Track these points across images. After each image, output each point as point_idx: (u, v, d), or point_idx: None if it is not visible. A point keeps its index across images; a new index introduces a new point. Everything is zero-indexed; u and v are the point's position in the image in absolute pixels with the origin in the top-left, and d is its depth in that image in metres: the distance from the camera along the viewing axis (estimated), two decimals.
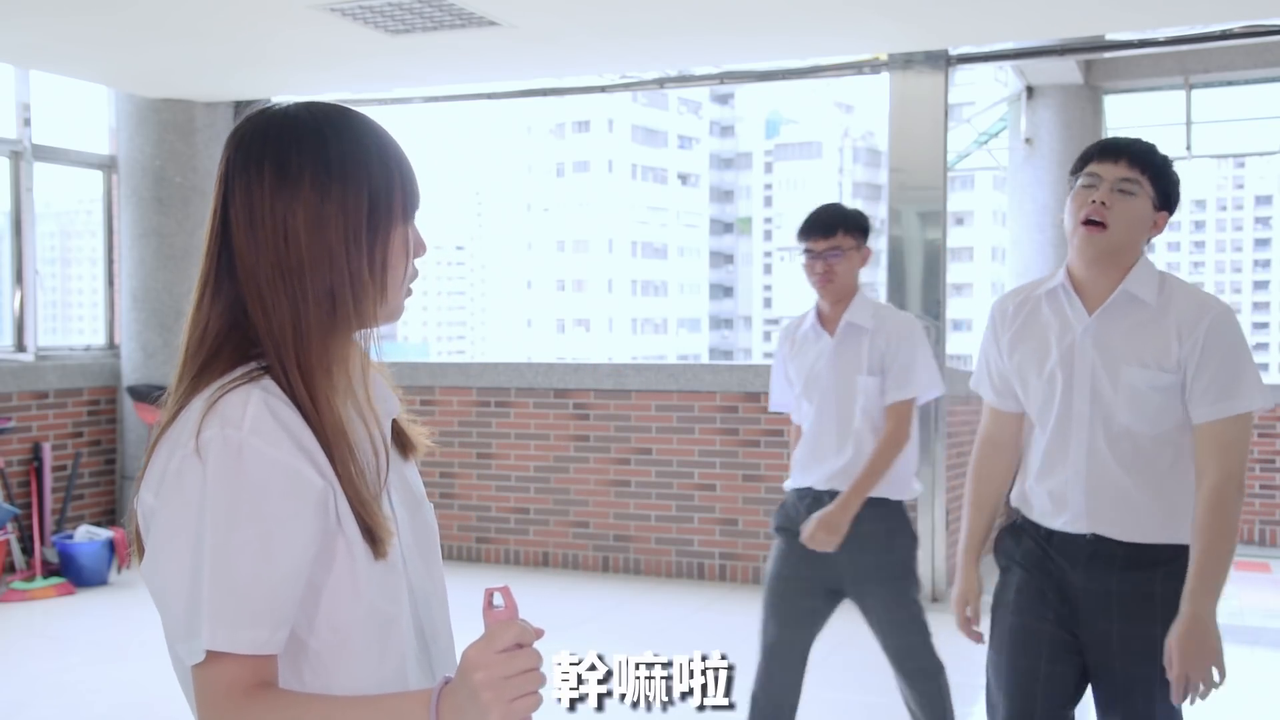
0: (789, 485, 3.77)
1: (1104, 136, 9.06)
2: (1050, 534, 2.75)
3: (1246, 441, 2.62)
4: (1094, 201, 2.58)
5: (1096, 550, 2.66)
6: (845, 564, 3.56)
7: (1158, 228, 2.66)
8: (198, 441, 1.29)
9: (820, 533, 3.50)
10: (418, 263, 1.46)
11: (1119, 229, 2.59)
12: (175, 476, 1.31)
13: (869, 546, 3.56)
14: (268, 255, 1.35)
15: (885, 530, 3.59)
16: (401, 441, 1.53)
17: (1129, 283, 2.63)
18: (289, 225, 1.35)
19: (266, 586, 1.28)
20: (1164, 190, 2.64)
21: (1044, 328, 2.75)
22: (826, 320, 3.71)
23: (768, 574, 3.73)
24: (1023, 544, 2.81)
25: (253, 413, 1.29)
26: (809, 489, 3.68)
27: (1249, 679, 5.48)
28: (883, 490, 3.59)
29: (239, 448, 1.28)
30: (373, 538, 1.35)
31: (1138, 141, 2.67)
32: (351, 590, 1.35)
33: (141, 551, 1.37)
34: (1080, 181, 2.64)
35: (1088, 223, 2.58)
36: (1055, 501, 2.72)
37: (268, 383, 1.34)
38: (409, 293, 1.45)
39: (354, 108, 1.45)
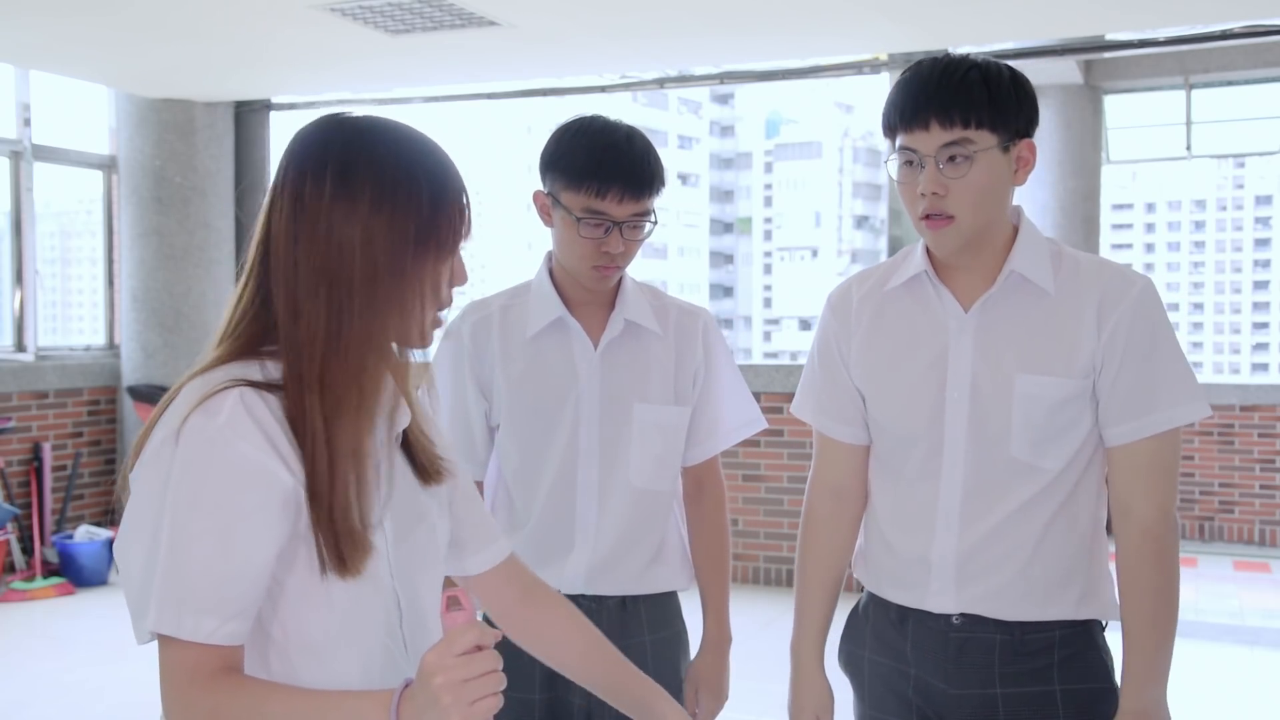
0: None
1: (1104, 133, 9.16)
2: (904, 616, 2.03)
3: (1178, 464, 1.98)
4: (923, 195, 1.88)
5: (968, 641, 1.97)
6: None
7: (1025, 163, 1.92)
8: (179, 427, 1.32)
9: None
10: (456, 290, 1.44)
11: (967, 211, 1.88)
12: (152, 457, 1.34)
13: None
14: (313, 261, 1.34)
15: None
16: (411, 454, 1.50)
17: (1016, 261, 1.94)
18: (343, 236, 1.33)
19: (218, 577, 1.29)
20: (1010, 122, 1.89)
21: (903, 327, 2.04)
22: None
23: None
24: (870, 633, 2.10)
25: (230, 407, 1.30)
26: None
27: (1249, 679, 5.48)
28: None
29: (211, 438, 1.29)
30: (340, 559, 1.34)
31: (943, 84, 1.88)
32: (317, 594, 1.36)
33: None
34: (898, 158, 1.93)
35: (928, 218, 1.91)
36: (913, 569, 2.01)
37: (265, 394, 1.34)
38: (437, 322, 1.42)
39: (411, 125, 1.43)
